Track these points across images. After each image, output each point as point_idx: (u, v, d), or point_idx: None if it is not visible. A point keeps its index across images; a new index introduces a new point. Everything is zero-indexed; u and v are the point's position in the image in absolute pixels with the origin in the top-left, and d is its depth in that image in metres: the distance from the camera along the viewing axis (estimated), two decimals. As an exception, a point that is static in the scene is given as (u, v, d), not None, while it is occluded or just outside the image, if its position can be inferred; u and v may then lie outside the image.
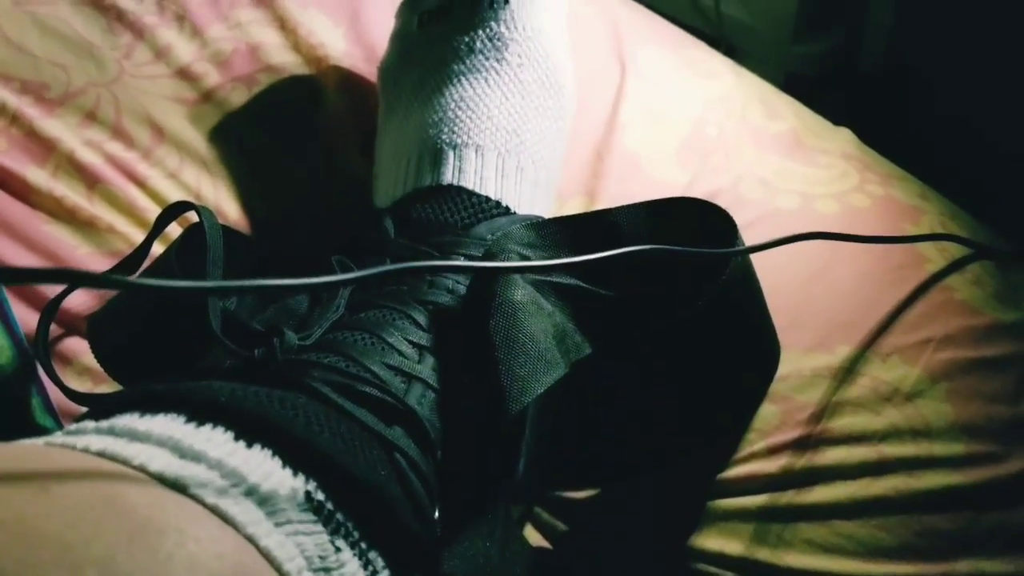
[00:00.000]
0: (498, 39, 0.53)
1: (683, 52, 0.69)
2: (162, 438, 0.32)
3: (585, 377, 0.44)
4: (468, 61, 0.53)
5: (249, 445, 0.33)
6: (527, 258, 0.46)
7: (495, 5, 0.54)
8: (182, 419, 0.34)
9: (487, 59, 0.53)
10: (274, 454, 0.34)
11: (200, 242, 0.43)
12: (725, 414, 0.49)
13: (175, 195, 0.60)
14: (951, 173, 0.66)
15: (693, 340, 0.45)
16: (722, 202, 0.48)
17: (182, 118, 0.63)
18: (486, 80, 0.53)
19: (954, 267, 0.55)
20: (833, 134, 0.65)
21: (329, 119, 0.64)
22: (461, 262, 0.45)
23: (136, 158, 0.61)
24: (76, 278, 0.28)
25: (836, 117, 0.68)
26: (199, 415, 0.34)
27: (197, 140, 0.62)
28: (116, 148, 0.61)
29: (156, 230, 0.48)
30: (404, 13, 0.59)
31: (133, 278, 0.28)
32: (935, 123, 0.90)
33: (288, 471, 0.33)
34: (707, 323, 0.45)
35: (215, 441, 0.33)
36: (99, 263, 0.56)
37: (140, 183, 0.60)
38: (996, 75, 0.86)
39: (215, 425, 0.34)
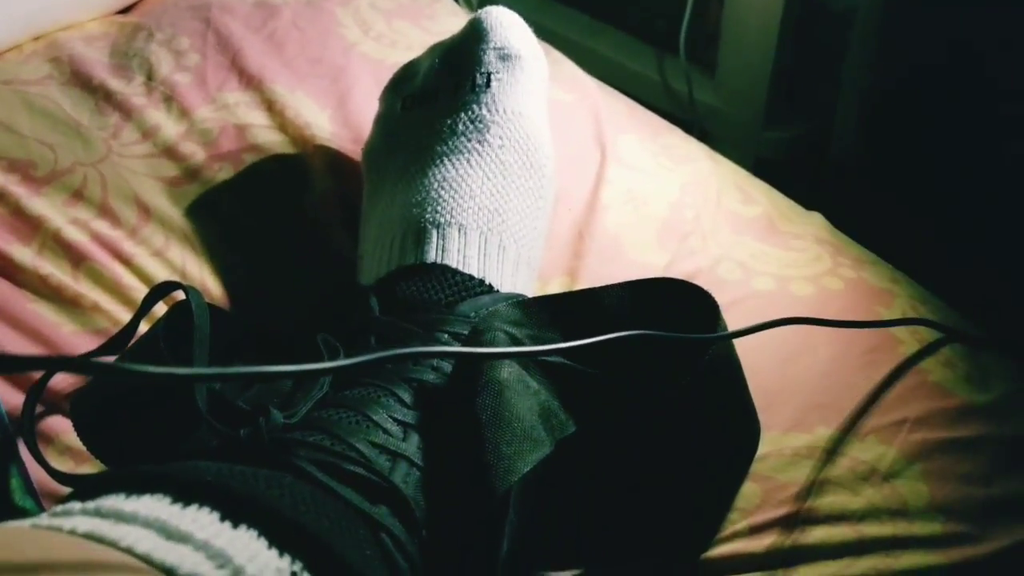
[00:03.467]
0: (480, 121, 0.55)
1: (660, 139, 0.71)
2: (148, 519, 0.32)
3: (569, 456, 0.44)
4: (451, 143, 0.55)
5: (235, 526, 0.33)
6: (513, 335, 0.47)
7: (477, 89, 0.56)
8: (168, 500, 0.34)
9: (469, 141, 0.55)
10: (260, 534, 0.34)
11: (185, 321, 0.44)
12: (708, 492, 0.50)
13: (160, 273, 0.60)
14: (922, 258, 0.68)
15: (676, 419, 0.46)
16: (701, 283, 0.50)
17: (168, 197, 0.64)
18: (468, 161, 0.54)
19: (927, 350, 0.56)
20: (805, 219, 0.67)
21: (315, 198, 0.65)
22: (448, 347, 0.45)
23: (122, 236, 0.61)
24: (62, 365, 0.28)
25: (805, 201, 0.70)
26: (185, 495, 0.34)
27: (183, 219, 0.63)
28: (102, 226, 0.62)
29: (143, 310, 0.48)
30: (388, 97, 0.61)
31: (121, 364, 0.29)
32: (906, 207, 0.93)
33: (274, 551, 0.33)
34: (690, 402, 0.46)
35: (201, 522, 0.33)
36: (83, 341, 0.56)
37: (125, 261, 0.60)
38: (963, 160, 0.89)
39: (201, 505, 0.34)
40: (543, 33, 0.83)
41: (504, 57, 0.57)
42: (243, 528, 0.33)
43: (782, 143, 1.03)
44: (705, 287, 0.48)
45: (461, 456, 0.42)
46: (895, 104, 0.93)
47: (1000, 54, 0.83)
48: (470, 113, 0.55)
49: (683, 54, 1.03)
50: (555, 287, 0.59)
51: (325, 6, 0.78)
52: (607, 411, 0.46)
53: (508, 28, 0.58)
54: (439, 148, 0.55)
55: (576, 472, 0.46)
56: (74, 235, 0.60)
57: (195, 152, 0.66)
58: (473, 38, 0.58)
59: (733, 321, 0.49)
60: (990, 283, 0.82)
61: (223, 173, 0.66)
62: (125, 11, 0.80)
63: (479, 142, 0.55)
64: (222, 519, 0.33)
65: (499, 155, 0.54)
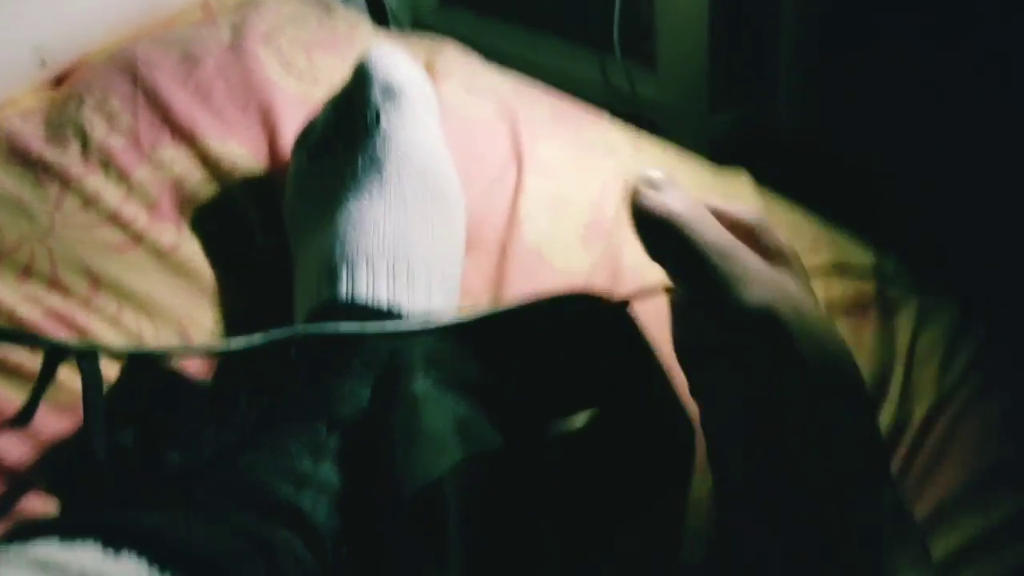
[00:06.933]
0: (375, 159, 0.57)
1: (582, 135, 0.71)
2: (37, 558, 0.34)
3: (509, 482, 0.45)
4: (352, 184, 0.57)
5: (117, 555, 0.35)
6: (431, 356, 0.48)
7: (370, 131, 0.58)
8: (56, 539, 0.35)
9: (368, 178, 0.57)
10: (149, 564, 0.35)
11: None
12: (649, 495, 0.49)
13: (117, 341, 0.61)
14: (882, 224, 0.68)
15: (604, 421, 0.47)
16: (627, 280, 0.49)
17: (117, 263, 0.65)
18: (370, 197, 0.56)
19: None
20: (730, 185, 0.66)
21: (259, 248, 0.66)
22: (339, 328, 0.47)
23: (75, 308, 0.62)
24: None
25: (763, 176, 0.69)
26: (71, 535, 0.35)
27: (133, 283, 0.64)
28: (55, 300, 0.63)
29: (44, 377, 0.51)
30: (296, 152, 0.64)
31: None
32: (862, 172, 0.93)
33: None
34: (613, 391, 0.46)
35: (83, 557, 0.34)
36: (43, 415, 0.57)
37: (80, 332, 0.61)
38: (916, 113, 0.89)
39: (85, 540, 0.35)
40: (482, 50, 0.84)
41: (389, 94, 0.59)
42: (125, 554, 0.35)
43: (732, 123, 1.04)
44: (632, 284, 0.48)
45: (377, 475, 0.43)
46: (837, 69, 0.93)
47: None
48: (365, 153, 0.58)
49: (618, 53, 1.03)
50: (484, 305, 0.60)
51: (247, 47, 0.78)
52: (531, 426, 0.47)
53: (390, 65, 0.60)
54: (343, 192, 0.57)
55: (518, 497, 0.46)
56: (27, 312, 0.61)
57: (138, 215, 0.67)
58: (359, 82, 0.60)
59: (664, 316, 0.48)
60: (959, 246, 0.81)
61: (168, 235, 0.67)
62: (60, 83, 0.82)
63: (379, 181, 0.57)
64: (104, 551, 0.35)
65: (397, 187, 0.56)
